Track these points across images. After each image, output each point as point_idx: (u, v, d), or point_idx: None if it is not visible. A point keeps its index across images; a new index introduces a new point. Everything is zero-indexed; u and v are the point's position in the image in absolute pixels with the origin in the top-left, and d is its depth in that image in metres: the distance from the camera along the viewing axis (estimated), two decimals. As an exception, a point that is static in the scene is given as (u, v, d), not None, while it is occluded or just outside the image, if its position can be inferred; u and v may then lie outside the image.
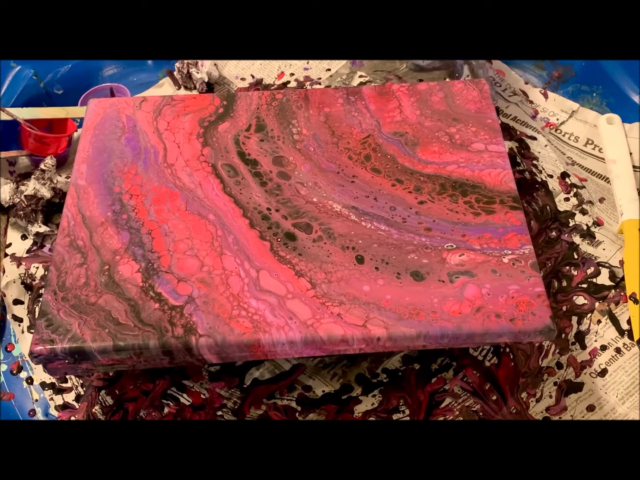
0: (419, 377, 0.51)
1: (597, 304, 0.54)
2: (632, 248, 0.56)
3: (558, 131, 0.68)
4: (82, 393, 0.52)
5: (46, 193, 0.61)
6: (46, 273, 0.57)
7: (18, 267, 0.59)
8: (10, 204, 0.61)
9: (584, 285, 0.55)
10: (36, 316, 0.54)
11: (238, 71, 0.75)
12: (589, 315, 0.54)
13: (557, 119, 0.68)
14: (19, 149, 0.66)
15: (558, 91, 0.70)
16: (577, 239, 0.58)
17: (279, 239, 0.47)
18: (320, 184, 0.51)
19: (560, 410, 0.49)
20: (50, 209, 0.62)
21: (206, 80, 0.72)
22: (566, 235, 0.58)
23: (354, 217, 0.48)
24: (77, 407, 0.51)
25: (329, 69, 0.74)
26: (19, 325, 0.56)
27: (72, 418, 0.51)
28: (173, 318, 0.43)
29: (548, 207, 0.60)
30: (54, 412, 0.51)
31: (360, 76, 0.73)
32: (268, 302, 0.44)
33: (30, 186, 0.61)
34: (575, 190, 0.61)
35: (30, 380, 0.53)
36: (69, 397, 0.52)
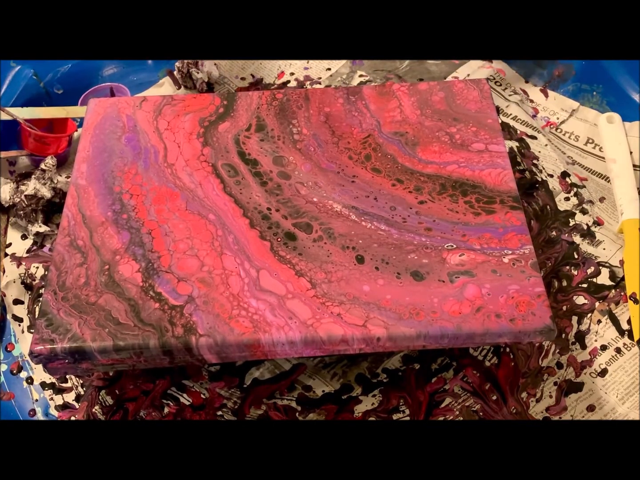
0: (419, 377, 0.51)
1: (597, 303, 0.54)
2: (632, 248, 0.56)
3: (558, 130, 0.68)
4: (82, 393, 0.52)
5: (46, 193, 0.61)
6: (46, 273, 0.57)
7: (18, 267, 0.59)
8: (11, 203, 0.61)
9: (584, 285, 0.55)
10: (36, 316, 0.54)
11: (238, 71, 0.75)
12: (589, 315, 0.54)
13: (558, 118, 0.68)
14: (19, 148, 0.66)
15: (558, 90, 0.70)
16: (577, 239, 0.58)
17: (279, 239, 0.47)
18: (320, 183, 0.51)
19: (560, 410, 0.49)
20: (51, 209, 0.62)
21: (206, 80, 0.72)
22: (566, 235, 0.58)
23: (354, 217, 0.48)
24: (77, 407, 0.51)
25: (329, 69, 0.74)
26: (19, 325, 0.56)
27: (72, 418, 0.51)
28: (173, 318, 0.43)
29: (548, 207, 0.60)
30: (54, 412, 0.51)
31: (360, 76, 0.73)
32: (268, 302, 0.44)
33: (31, 186, 0.61)
34: (575, 189, 0.61)
35: (30, 380, 0.53)
36: (69, 397, 0.52)
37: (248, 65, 0.75)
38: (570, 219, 0.59)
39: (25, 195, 0.60)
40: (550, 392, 0.50)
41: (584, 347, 0.52)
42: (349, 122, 0.55)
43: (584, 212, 0.60)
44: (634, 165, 0.63)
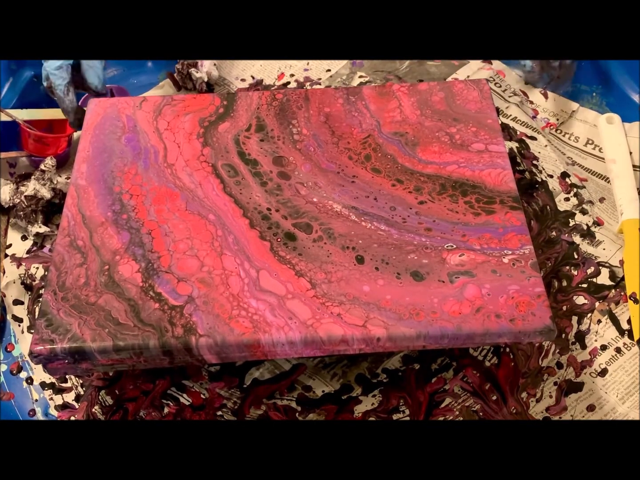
0: (419, 377, 0.51)
1: (597, 303, 0.54)
2: (632, 248, 0.56)
3: (558, 131, 0.68)
4: (82, 393, 0.52)
5: (46, 193, 0.61)
6: (46, 273, 0.57)
7: (18, 267, 0.59)
8: (11, 204, 0.61)
9: (584, 285, 0.55)
10: (36, 316, 0.54)
11: (238, 72, 0.75)
12: (589, 315, 0.54)
13: (557, 119, 0.68)
14: (19, 149, 0.66)
15: (558, 91, 0.70)
16: (577, 239, 0.58)
17: (279, 239, 0.47)
18: (320, 184, 0.51)
19: (560, 410, 0.49)
20: (50, 210, 0.62)
21: (205, 79, 0.72)
22: (566, 235, 0.58)
23: (354, 217, 0.48)
24: (77, 407, 0.51)
25: (329, 70, 0.74)
26: (19, 326, 0.56)
27: (72, 418, 0.51)
28: (173, 318, 0.43)
29: (548, 207, 0.60)
30: (53, 412, 0.51)
31: (360, 77, 0.73)
32: (268, 302, 0.44)
33: (30, 187, 0.61)
34: (575, 190, 0.61)
35: (30, 380, 0.53)
36: (69, 397, 0.52)
37: (248, 66, 0.75)
38: (570, 219, 0.59)
39: (25, 196, 0.60)
40: (550, 392, 0.50)
41: (584, 347, 0.52)
42: (349, 123, 0.55)
43: (583, 212, 0.60)
44: (634, 166, 0.63)
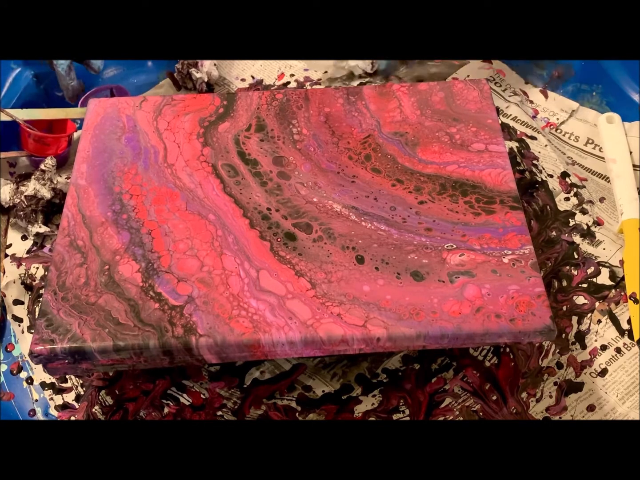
0: (419, 377, 0.51)
1: (597, 303, 0.54)
2: (632, 248, 0.56)
3: (558, 131, 0.68)
4: (82, 393, 0.52)
5: (46, 193, 0.61)
6: (46, 273, 0.57)
7: (18, 267, 0.59)
8: (11, 204, 0.61)
9: (584, 285, 0.55)
10: (36, 316, 0.54)
11: (238, 72, 0.75)
12: (589, 315, 0.54)
13: (557, 119, 0.68)
14: (19, 149, 0.66)
15: (558, 90, 0.70)
16: (577, 239, 0.58)
17: (279, 239, 0.47)
18: (320, 184, 0.51)
19: (560, 410, 0.49)
20: (51, 210, 0.62)
21: (206, 79, 0.72)
22: (566, 235, 0.58)
23: (354, 217, 0.48)
24: (77, 407, 0.51)
25: (326, 72, 0.74)
26: (19, 326, 0.56)
27: (72, 418, 0.51)
28: (173, 318, 0.43)
29: (548, 207, 0.60)
30: (54, 412, 0.51)
31: (360, 77, 0.73)
32: (268, 302, 0.44)
33: (31, 187, 0.61)
34: (575, 189, 0.61)
35: (30, 380, 0.53)
36: (69, 397, 0.52)
37: (248, 66, 0.75)
38: (570, 219, 0.59)
39: (25, 196, 0.60)
40: (550, 392, 0.50)
41: (584, 347, 0.52)
42: (349, 123, 0.55)
43: (584, 212, 0.60)
44: (634, 165, 0.63)
